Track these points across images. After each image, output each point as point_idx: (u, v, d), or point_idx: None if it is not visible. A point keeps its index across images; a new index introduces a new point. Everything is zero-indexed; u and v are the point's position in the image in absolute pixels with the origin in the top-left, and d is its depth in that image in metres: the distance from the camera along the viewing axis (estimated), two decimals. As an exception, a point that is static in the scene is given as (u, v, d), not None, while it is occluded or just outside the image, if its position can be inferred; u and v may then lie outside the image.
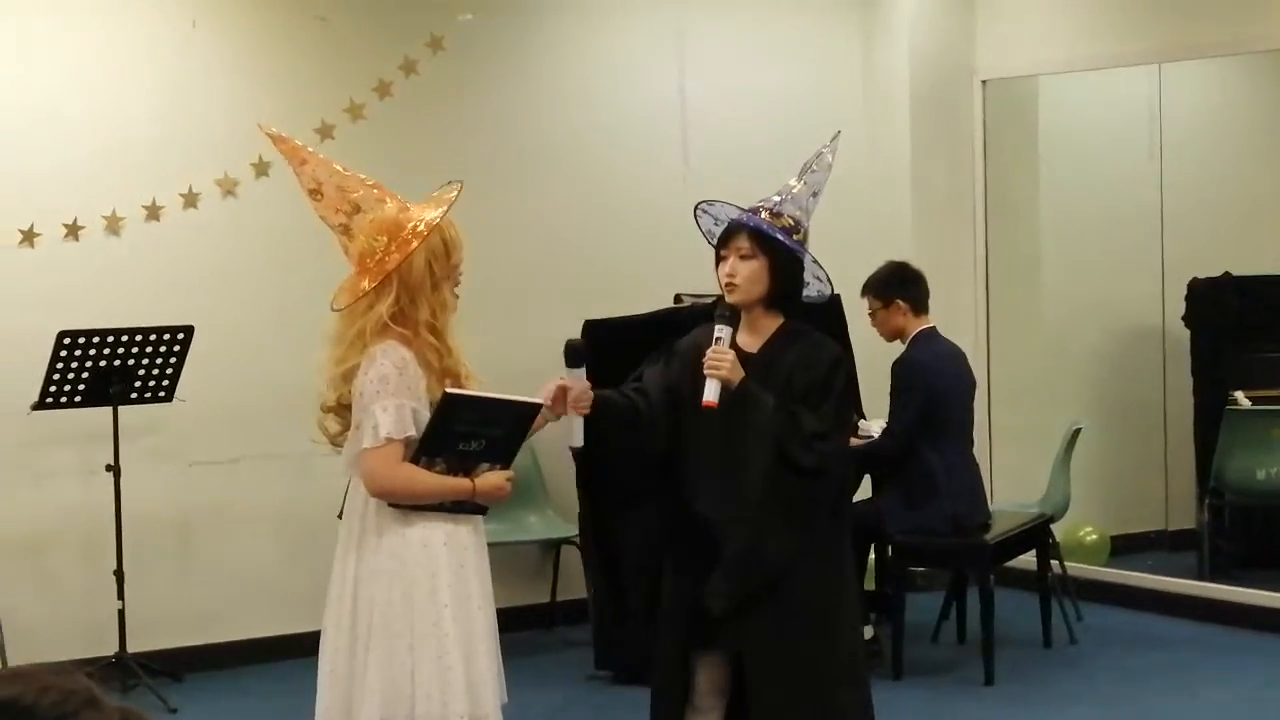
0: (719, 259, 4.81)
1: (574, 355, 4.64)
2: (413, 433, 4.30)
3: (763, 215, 4.77)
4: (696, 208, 4.92)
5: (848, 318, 8.40)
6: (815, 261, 4.85)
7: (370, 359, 4.29)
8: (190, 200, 7.89)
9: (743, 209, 4.83)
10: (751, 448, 4.63)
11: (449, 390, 4.29)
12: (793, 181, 4.91)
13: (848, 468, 4.98)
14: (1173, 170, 9.97)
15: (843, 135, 9.56)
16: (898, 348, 7.77)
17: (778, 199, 4.84)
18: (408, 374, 4.29)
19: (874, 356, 8.04)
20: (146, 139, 7.81)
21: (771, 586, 4.66)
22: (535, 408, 4.47)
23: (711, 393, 4.60)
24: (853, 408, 4.98)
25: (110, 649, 7.33)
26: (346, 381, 4.34)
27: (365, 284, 4.29)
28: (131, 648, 7.39)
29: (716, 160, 8.72)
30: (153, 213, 7.81)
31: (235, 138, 7.85)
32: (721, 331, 4.68)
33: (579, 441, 4.66)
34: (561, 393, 4.58)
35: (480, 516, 4.47)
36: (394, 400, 4.26)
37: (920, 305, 7.73)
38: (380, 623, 4.29)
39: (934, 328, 7.75)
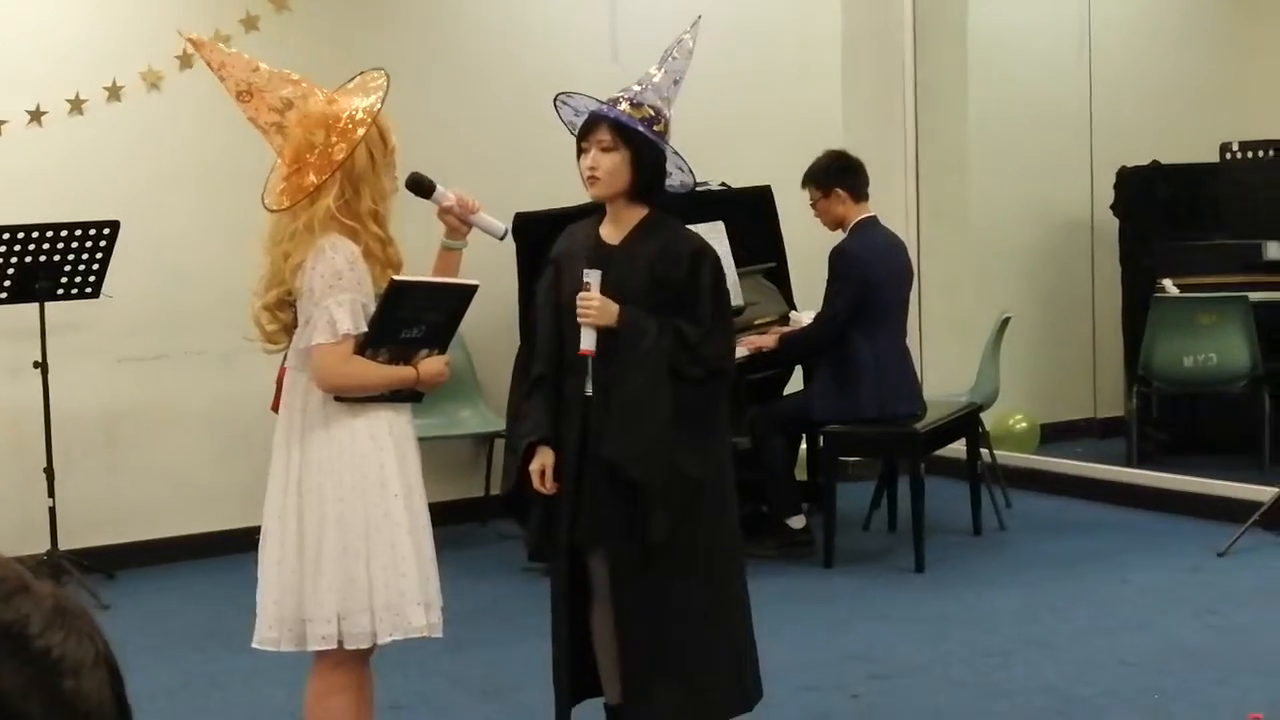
0: (579, 151, 4.76)
1: (418, 185, 4.60)
2: (365, 328, 4.29)
3: (622, 106, 4.71)
4: (556, 99, 4.88)
5: (779, 211, 8.43)
6: (676, 152, 4.81)
7: (319, 253, 4.24)
8: (114, 93, 7.79)
9: (601, 101, 4.79)
10: (644, 378, 4.61)
11: (396, 278, 4.27)
12: (653, 70, 4.85)
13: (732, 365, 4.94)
14: (1101, 60, 10.00)
15: (775, 25, 9.54)
16: (836, 239, 7.78)
17: (638, 88, 4.79)
18: (358, 269, 4.27)
19: (813, 247, 8.04)
20: (68, 31, 7.69)
21: (628, 482, 4.63)
22: (473, 289, 4.47)
23: (588, 341, 4.63)
24: (728, 300, 4.93)
25: (41, 546, 7.29)
26: (294, 276, 4.29)
27: (311, 179, 4.24)
28: (63, 545, 7.35)
29: (646, 57, 8.58)
30: (76, 106, 7.71)
31: (158, 30, 7.74)
32: (590, 276, 4.67)
33: (501, 229, 4.71)
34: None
35: (411, 405, 4.48)
36: (348, 295, 4.24)
37: (860, 193, 7.73)
38: (332, 515, 4.28)
39: (874, 216, 7.75)
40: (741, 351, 7.24)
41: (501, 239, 4.76)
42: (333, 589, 4.27)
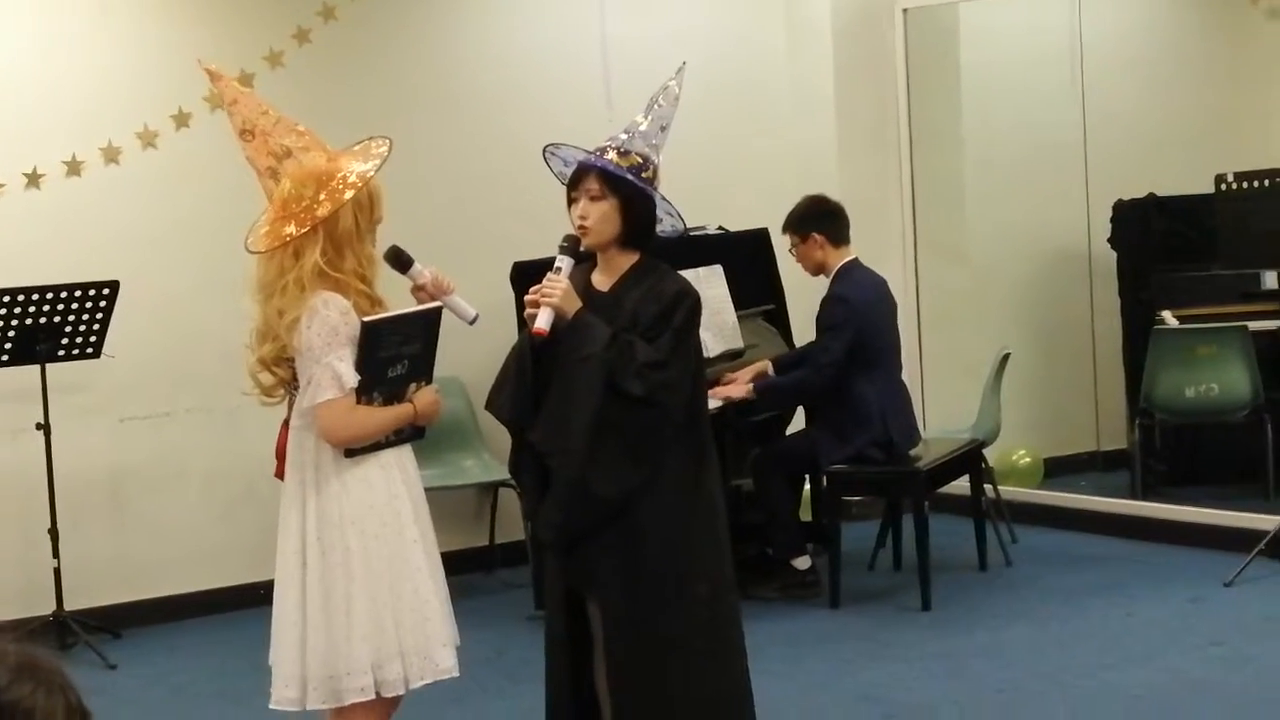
0: (570, 201, 4.78)
1: (396, 259, 4.60)
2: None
3: (610, 155, 4.74)
4: (545, 150, 4.90)
5: (777, 253, 8.43)
6: (665, 199, 4.83)
7: (312, 311, 4.27)
8: (111, 155, 7.82)
9: (589, 150, 4.81)
10: (582, 378, 4.60)
11: (365, 320, 4.30)
12: (639, 118, 4.88)
13: (694, 404, 4.84)
14: (1094, 94, 10.02)
15: (768, 67, 9.56)
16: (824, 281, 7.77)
17: (625, 137, 4.81)
18: (351, 321, 4.30)
19: (812, 289, 8.05)
20: (64, 94, 7.73)
21: (620, 530, 4.61)
22: (437, 310, 4.51)
23: (544, 320, 4.59)
24: (696, 345, 4.90)
25: (47, 607, 7.30)
26: (290, 333, 4.31)
27: (291, 229, 4.27)
28: (69, 605, 7.35)
29: (640, 101, 8.64)
30: (73, 168, 7.74)
31: (154, 90, 7.79)
32: (561, 261, 4.69)
33: (472, 314, 4.65)
34: None
35: (415, 454, 4.54)
36: (346, 349, 4.27)
37: (839, 237, 7.73)
38: (358, 566, 4.31)
39: (856, 259, 7.75)
40: (714, 403, 7.13)
41: (471, 324, 4.70)
42: (366, 640, 4.29)
